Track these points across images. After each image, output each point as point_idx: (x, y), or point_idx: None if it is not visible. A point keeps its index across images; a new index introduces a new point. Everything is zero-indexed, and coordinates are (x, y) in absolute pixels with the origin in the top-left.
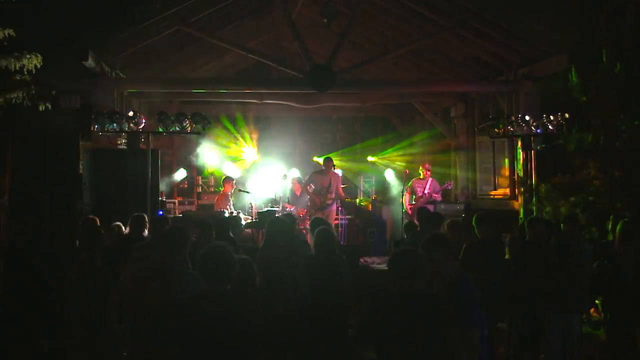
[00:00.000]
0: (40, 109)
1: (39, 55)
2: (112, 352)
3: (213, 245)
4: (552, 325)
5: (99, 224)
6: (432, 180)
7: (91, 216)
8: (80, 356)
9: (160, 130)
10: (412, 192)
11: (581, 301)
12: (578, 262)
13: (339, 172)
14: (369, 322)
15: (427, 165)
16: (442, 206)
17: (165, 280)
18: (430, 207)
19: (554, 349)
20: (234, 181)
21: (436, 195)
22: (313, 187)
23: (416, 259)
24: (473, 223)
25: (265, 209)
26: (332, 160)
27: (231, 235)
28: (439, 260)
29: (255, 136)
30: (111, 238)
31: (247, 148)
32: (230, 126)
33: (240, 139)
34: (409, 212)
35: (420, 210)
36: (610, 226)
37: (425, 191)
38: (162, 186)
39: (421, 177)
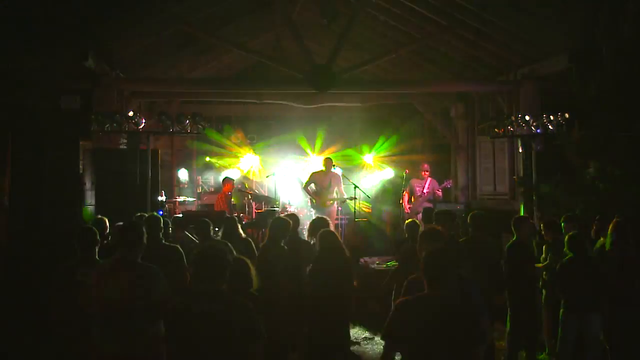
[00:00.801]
0: (40, 109)
1: (39, 55)
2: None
3: (207, 245)
4: (564, 325)
5: (108, 224)
6: (431, 180)
7: (99, 216)
8: (81, 356)
9: (160, 130)
10: (411, 192)
11: (597, 301)
12: (593, 262)
13: (338, 171)
14: (400, 323)
15: (425, 166)
16: (442, 206)
17: (125, 276)
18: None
19: (562, 349)
20: (234, 181)
21: (438, 191)
22: (313, 187)
23: (449, 259)
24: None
25: (265, 209)
26: (331, 160)
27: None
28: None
29: (253, 139)
30: (113, 238)
31: (247, 154)
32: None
33: (237, 145)
34: (407, 211)
35: (425, 210)
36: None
37: (425, 191)
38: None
39: (420, 177)
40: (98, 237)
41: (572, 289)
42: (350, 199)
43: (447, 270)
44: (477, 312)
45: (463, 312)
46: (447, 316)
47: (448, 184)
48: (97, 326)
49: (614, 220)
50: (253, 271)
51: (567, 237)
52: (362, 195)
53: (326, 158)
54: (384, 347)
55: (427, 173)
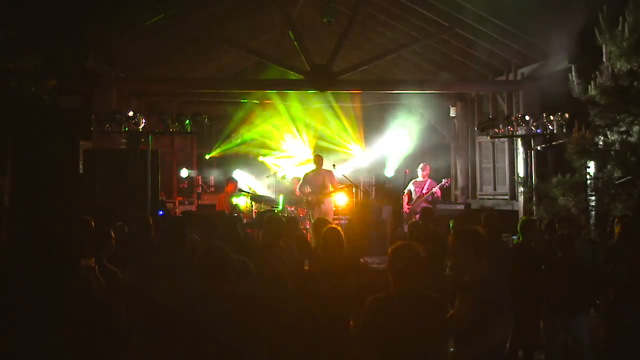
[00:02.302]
0: (40, 109)
1: (38, 55)
2: (119, 352)
3: (211, 244)
4: (551, 327)
5: (94, 225)
6: (430, 181)
7: (87, 217)
8: (84, 357)
9: (160, 130)
10: (410, 192)
11: (584, 302)
12: (581, 263)
13: (330, 168)
14: (368, 321)
15: (425, 166)
16: (443, 206)
17: (172, 278)
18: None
19: (552, 351)
20: (237, 182)
21: (436, 191)
22: (309, 189)
23: (415, 255)
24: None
25: (265, 209)
26: (321, 157)
27: None
28: (469, 257)
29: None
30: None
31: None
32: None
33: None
34: (406, 211)
35: (423, 210)
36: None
37: (423, 191)
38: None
39: (419, 178)
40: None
41: (558, 290)
42: (345, 186)
43: (412, 266)
44: (444, 311)
45: (431, 309)
46: (412, 313)
47: (446, 182)
48: (140, 329)
49: (620, 220)
50: (254, 271)
51: (557, 237)
52: (362, 195)
53: (316, 155)
54: (361, 350)
55: (426, 174)
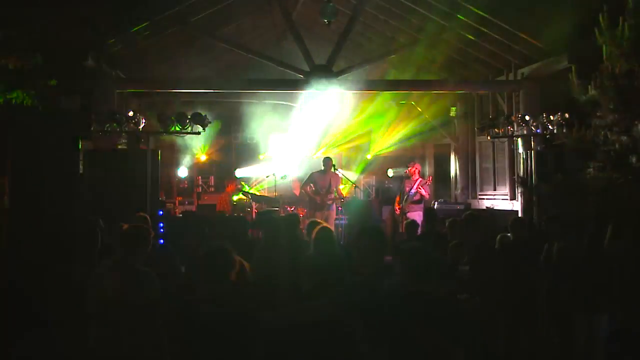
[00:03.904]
0: (40, 109)
1: (38, 55)
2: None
3: (213, 245)
4: (576, 327)
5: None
6: (420, 181)
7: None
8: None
9: (160, 130)
10: (402, 192)
11: (608, 301)
12: (609, 262)
13: (339, 172)
14: (378, 320)
15: (416, 166)
16: (443, 206)
17: (123, 279)
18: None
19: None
20: (238, 182)
21: (421, 190)
22: (312, 187)
23: (426, 257)
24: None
25: (265, 209)
26: (331, 159)
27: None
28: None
29: None
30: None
31: None
32: None
33: None
34: (397, 212)
35: (426, 211)
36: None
37: (411, 192)
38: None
39: (410, 178)
40: (98, 238)
41: (584, 289)
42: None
43: (424, 268)
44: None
45: (438, 309)
46: (418, 313)
47: (427, 181)
48: (93, 327)
49: (613, 221)
50: (247, 269)
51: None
52: (362, 195)
53: (326, 158)
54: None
55: (414, 171)
